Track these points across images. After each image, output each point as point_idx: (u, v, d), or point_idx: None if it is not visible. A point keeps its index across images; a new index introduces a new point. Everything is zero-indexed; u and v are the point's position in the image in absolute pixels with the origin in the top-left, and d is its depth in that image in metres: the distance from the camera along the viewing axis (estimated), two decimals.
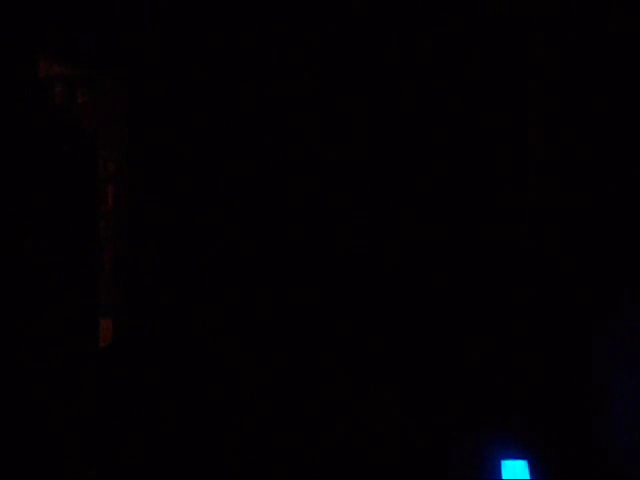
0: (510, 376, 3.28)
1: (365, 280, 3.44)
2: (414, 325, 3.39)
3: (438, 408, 3.33)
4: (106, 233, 3.39)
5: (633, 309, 3.16)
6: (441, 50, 3.36)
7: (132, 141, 3.41)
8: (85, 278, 3.24)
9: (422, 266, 3.40)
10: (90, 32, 3.18)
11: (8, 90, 2.84)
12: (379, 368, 3.40)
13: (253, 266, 3.51)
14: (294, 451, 3.36)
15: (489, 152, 3.34)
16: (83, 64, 3.20)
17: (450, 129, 3.38)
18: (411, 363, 3.38)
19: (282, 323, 3.49)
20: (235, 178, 3.52)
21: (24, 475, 2.86)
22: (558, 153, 3.27)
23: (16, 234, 2.89)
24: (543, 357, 3.26)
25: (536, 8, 3.25)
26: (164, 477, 3.29)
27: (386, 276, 3.42)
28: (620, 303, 3.18)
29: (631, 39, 3.14)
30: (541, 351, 3.26)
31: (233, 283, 3.51)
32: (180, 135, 3.49)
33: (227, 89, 3.52)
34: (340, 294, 3.46)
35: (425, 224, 3.39)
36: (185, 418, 3.40)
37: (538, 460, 3.15)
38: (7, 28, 2.84)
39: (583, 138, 3.24)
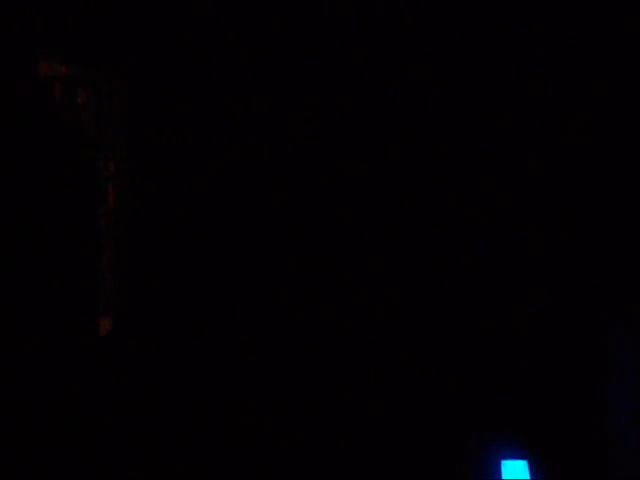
0: (510, 376, 3.28)
1: (366, 279, 3.44)
2: (415, 325, 3.38)
3: (439, 408, 3.32)
4: (106, 233, 3.39)
5: (632, 309, 3.16)
6: (442, 53, 3.36)
7: (132, 141, 3.41)
8: (85, 277, 3.24)
9: (423, 266, 3.39)
10: (90, 32, 3.18)
11: (8, 90, 2.85)
12: (379, 368, 3.40)
13: (253, 265, 3.51)
14: (293, 451, 3.36)
15: (489, 154, 3.34)
16: (83, 64, 3.20)
17: (450, 130, 3.38)
18: (411, 363, 3.38)
19: (281, 322, 3.49)
20: (235, 178, 3.52)
21: (24, 470, 2.86)
22: (561, 157, 3.27)
23: (16, 234, 2.89)
24: (543, 357, 3.26)
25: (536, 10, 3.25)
26: (162, 474, 3.29)
27: (387, 275, 3.42)
28: (620, 303, 3.18)
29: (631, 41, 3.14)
30: (541, 351, 3.26)
31: (233, 282, 3.51)
32: (180, 135, 3.49)
33: (227, 89, 3.52)
34: (342, 295, 3.45)
35: (425, 224, 3.39)
36: (184, 418, 3.40)
37: (538, 460, 3.14)
38: (7, 28, 2.85)
39: (583, 140, 3.24)
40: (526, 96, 3.29)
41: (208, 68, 3.50)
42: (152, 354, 3.41)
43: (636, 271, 3.16)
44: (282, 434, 3.38)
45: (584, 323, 3.21)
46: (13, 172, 2.87)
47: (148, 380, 3.37)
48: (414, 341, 3.37)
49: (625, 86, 3.16)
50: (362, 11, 3.42)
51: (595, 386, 3.18)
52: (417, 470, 3.27)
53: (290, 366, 3.45)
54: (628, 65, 3.15)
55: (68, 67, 3.17)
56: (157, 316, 3.44)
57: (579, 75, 3.23)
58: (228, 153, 3.52)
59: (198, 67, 3.50)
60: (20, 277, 2.91)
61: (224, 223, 3.51)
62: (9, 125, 2.86)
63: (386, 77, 3.42)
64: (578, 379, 3.20)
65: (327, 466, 3.32)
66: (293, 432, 3.38)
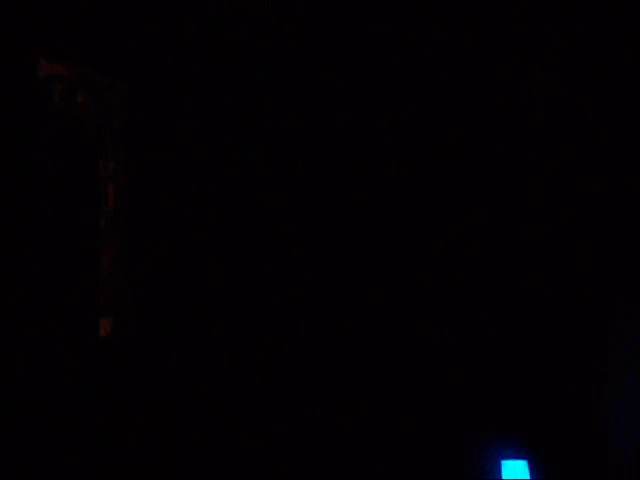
0: (510, 376, 3.28)
1: (366, 279, 3.44)
2: (415, 325, 3.39)
3: (438, 408, 3.33)
4: (106, 233, 3.39)
5: (632, 309, 3.16)
6: (442, 55, 3.36)
7: (132, 141, 3.41)
8: (85, 277, 3.24)
9: (423, 265, 3.39)
10: (90, 32, 3.18)
11: (8, 90, 2.84)
12: (380, 368, 3.40)
13: (254, 265, 3.51)
14: (293, 451, 3.36)
15: (488, 154, 3.34)
16: (83, 64, 3.20)
17: (450, 132, 3.38)
18: (411, 363, 3.38)
19: (282, 321, 3.49)
20: (235, 177, 3.52)
21: (25, 471, 2.86)
22: (558, 154, 3.27)
23: (16, 234, 2.89)
24: (543, 357, 3.26)
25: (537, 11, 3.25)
26: (161, 473, 3.29)
27: (387, 274, 3.42)
28: (619, 303, 3.18)
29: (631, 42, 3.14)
30: (541, 351, 3.26)
31: (234, 282, 3.51)
32: (180, 135, 3.49)
33: (227, 89, 3.52)
34: (342, 295, 3.45)
35: (424, 224, 3.39)
36: (184, 418, 3.40)
37: (538, 460, 3.14)
38: (7, 28, 2.84)
39: (583, 141, 3.24)
40: (526, 96, 3.30)
41: (208, 68, 3.50)
42: (153, 355, 3.41)
43: (636, 270, 3.16)
44: (282, 434, 3.38)
45: (584, 323, 3.22)
46: (13, 172, 2.87)
47: (149, 381, 3.37)
48: (414, 341, 3.38)
49: (626, 86, 3.17)
50: (362, 11, 3.42)
51: (595, 386, 3.18)
52: (417, 470, 3.27)
53: (290, 365, 3.45)
54: (628, 65, 3.16)
55: (68, 67, 3.16)
56: (158, 316, 3.44)
57: (580, 74, 3.23)
58: (228, 153, 3.52)
59: (198, 67, 3.49)
60: (20, 277, 2.91)
61: (224, 223, 3.51)
62: (9, 125, 2.85)
63: (385, 77, 3.42)
64: (578, 379, 3.20)
65: (327, 466, 3.32)
66: (293, 432, 3.38)
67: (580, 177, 3.24)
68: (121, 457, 3.20)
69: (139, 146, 3.42)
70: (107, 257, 3.39)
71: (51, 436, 2.98)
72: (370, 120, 3.44)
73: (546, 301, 3.26)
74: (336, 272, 3.46)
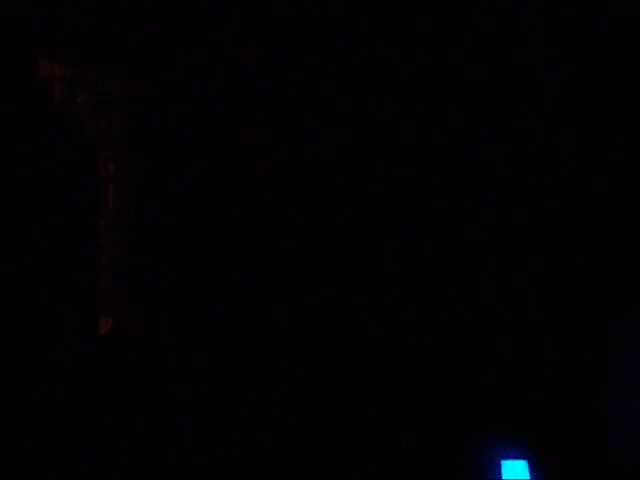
0: (510, 376, 3.28)
1: (365, 279, 3.44)
2: (415, 325, 3.38)
3: (439, 408, 3.33)
4: (106, 233, 3.39)
5: (632, 309, 3.16)
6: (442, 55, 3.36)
7: (132, 141, 3.41)
8: (85, 277, 3.24)
9: (423, 265, 3.40)
10: (90, 32, 3.18)
11: (8, 90, 2.85)
12: (380, 368, 3.40)
13: (253, 265, 3.51)
14: (293, 450, 3.36)
15: (488, 155, 3.34)
16: (83, 64, 3.20)
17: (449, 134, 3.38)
18: (411, 363, 3.38)
19: (281, 322, 3.49)
20: (235, 177, 3.52)
21: (25, 470, 2.86)
22: (558, 158, 3.27)
23: (17, 234, 2.89)
24: (543, 357, 3.26)
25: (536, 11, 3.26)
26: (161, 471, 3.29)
27: (387, 274, 3.42)
28: (619, 303, 3.18)
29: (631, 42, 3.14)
30: (541, 351, 3.26)
31: (233, 282, 3.51)
32: (180, 135, 3.49)
33: (226, 89, 3.52)
34: (341, 295, 3.45)
35: (424, 224, 3.39)
36: (184, 418, 3.40)
37: (538, 460, 3.14)
38: (7, 28, 2.85)
39: (583, 142, 3.24)
40: (526, 95, 3.30)
41: (208, 68, 3.50)
42: (152, 354, 3.41)
43: (636, 270, 3.16)
44: (282, 434, 3.38)
45: (584, 323, 3.21)
46: (13, 172, 2.87)
47: (148, 380, 3.37)
48: (414, 341, 3.37)
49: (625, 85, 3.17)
50: (362, 12, 3.42)
51: (595, 386, 3.18)
52: (417, 470, 3.27)
53: (290, 365, 3.45)
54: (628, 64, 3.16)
55: (68, 67, 3.17)
56: (157, 316, 3.44)
57: (579, 74, 3.24)
58: (228, 153, 3.52)
59: (198, 67, 3.50)
60: (20, 277, 2.91)
61: (224, 223, 3.51)
62: (9, 125, 2.86)
63: (384, 77, 3.42)
64: (578, 379, 3.20)
65: (327, 466, 3.32)
66: (293, 432, 3.38)
67: (580, 178, 3.23)
68: (121, 456, 3.20)
69: (139, 146, 3.43)
70: (107, 257, 3.40)
71: (51, 434, 2.98)
72: (369, 120, 3.44)
73: (546, 301, 3.26)
74: (336, 272, 3.46)
